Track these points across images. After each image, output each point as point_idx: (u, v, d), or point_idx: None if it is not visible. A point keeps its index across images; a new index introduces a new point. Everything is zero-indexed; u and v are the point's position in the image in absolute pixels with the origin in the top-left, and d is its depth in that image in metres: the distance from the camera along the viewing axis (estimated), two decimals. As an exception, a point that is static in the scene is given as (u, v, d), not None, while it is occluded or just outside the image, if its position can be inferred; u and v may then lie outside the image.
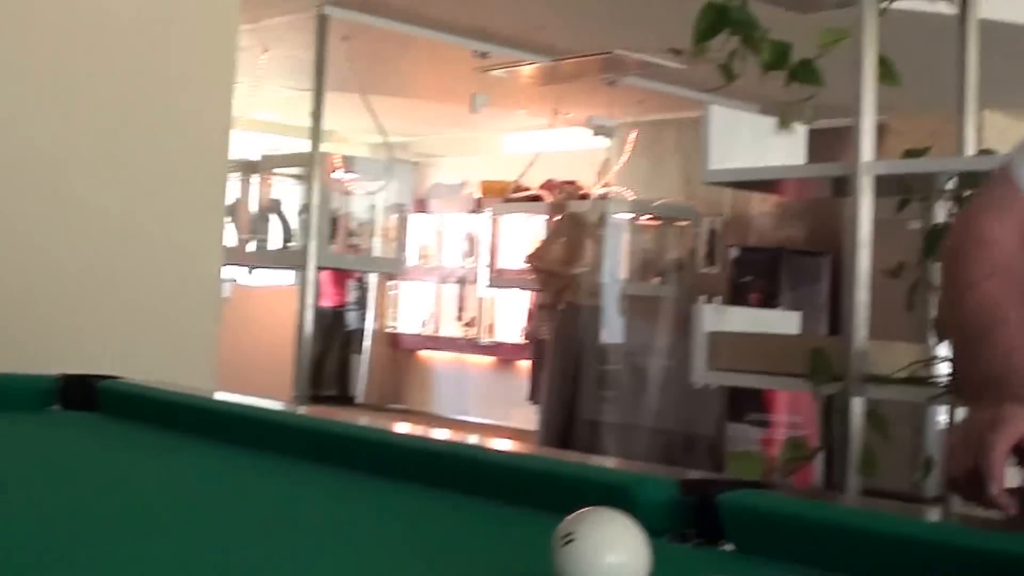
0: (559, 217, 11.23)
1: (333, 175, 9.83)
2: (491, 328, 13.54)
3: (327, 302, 13.14)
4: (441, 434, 2.46)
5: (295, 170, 9.66)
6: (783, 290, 10.87)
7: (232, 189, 8.90)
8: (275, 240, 9.85)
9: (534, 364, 11.71)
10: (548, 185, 12.09)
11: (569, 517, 1.37)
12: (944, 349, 4.18)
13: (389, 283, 14.33)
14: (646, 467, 2.05)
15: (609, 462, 2.30)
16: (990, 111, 8.13)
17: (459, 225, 13.91)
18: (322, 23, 8.64)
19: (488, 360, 13.59)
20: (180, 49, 4.70)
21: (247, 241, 9.61)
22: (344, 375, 13.82)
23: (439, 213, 14.24)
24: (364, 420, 2.66)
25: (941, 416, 4.55)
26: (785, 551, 1.65)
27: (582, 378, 10.85)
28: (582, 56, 9.51)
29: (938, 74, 5.14)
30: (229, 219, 8.43)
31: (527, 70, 10.08)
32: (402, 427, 2.64)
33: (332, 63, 8.77)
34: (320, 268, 9.09)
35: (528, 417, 11.35)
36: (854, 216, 4.31)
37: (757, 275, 11.03)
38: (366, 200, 10.26)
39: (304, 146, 9.07)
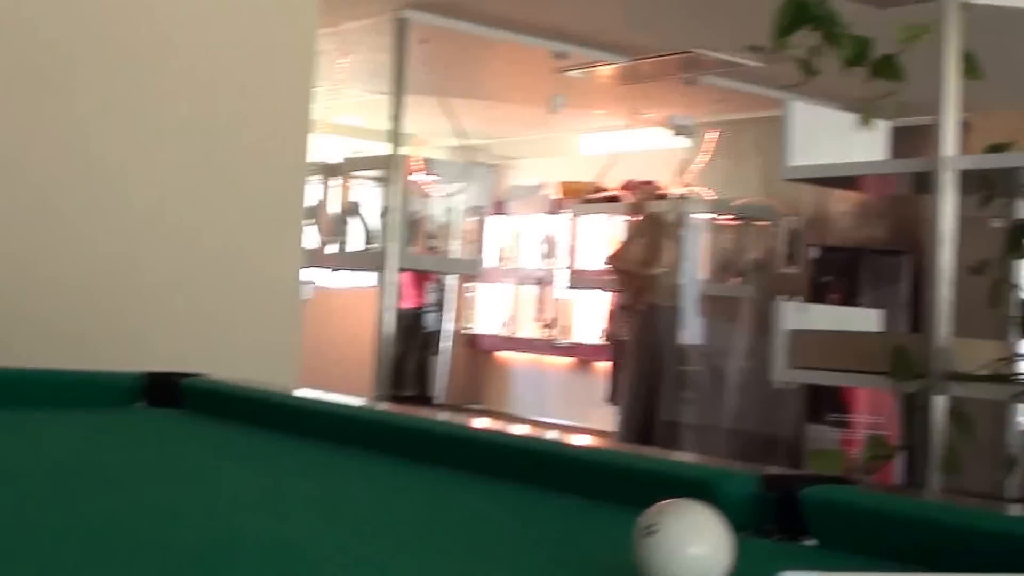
0: (638, 218, 11.20)
1: (412, 177, 9.86)
2: (569, 329, 13.52)
3: (406, 304, 13.17)
4: (522, 430, 2.46)
5: (375, 173, 9.69)
6: (863, 290, 10.79)
7: (313, 192, 8.95)
8: (355, 242, 9.89)
9: (613, 365, 11.69)
10: (627, 185, 12.06)
11: (652, 508, 1.36)
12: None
13: (467, 285, 14.35)
14: (727, 463, 2.04)
15: (690, 458, 2.29)
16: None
17: (538, 226, 13.90)
18: (401, 26, 8.67)
19: (566, 361, 13.57)
20: (260, 54, 4.73)
21: (327, 243, 9.66)
22: (423, 376, 13.85)
23: (517, 215, 14.24)
24: (444, 416, 2.66)
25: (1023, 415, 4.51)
26: (869, 546, 1.64)
27: (661, 379, 10.82)
28: (660, 56, 9.49)
29: (1021, 70, 5.09)
30: (310, 222, 8.47)
31: (605, 70, 10.06)
32: (482, 423, 2.65)
33: (411, 66, 8.80)
34: (400, 270, 9.13)
35: (607, 418, 11.33)
36: (936, 212, 4.28)
37: (837, 275, 10.94)
38: (445, 202, 10.30)
39: (384, 149, 9.10)
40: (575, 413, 12.60)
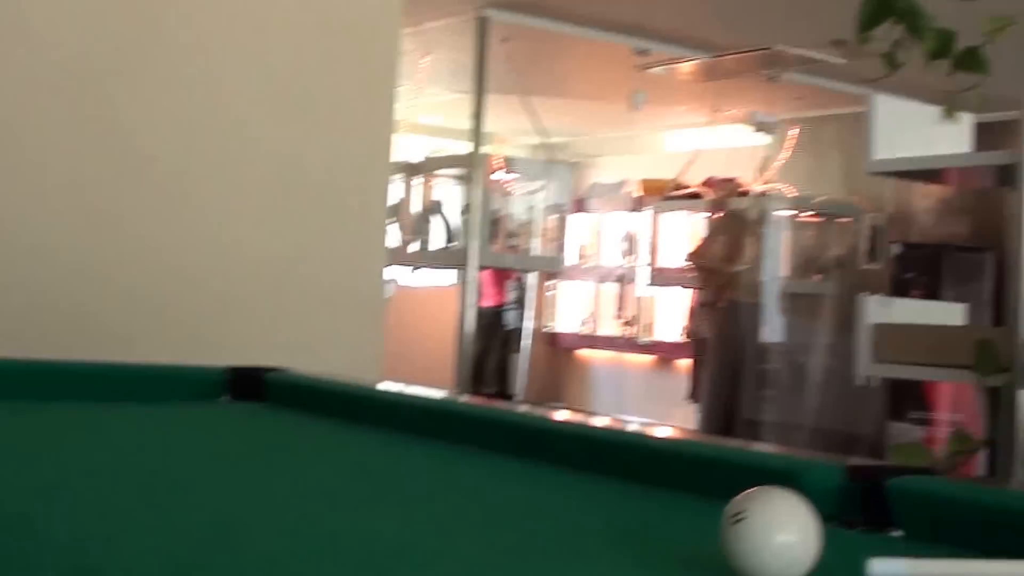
0: (719, 215, 11.18)
1: (493, 176, 9.88)
2: (650, 327, 13.49)
3: (487, 302, 13.19)
4: (604, 422, 2.46)
5: (456, 171, 9.74)
6: (945, 287, 10.71)
7: (395, 191, 8.99)
8: (437, 240, 9.94)
9: (694, 363, 11.67)
10: (708, 183, 12.02)
11: (739, 496, 1.36)
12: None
13: (547, 283, 14.35)
14: (811, 453, 2.04)
15: (774, 449, 2.28)
16: None
17: (618, 224, 13.88)
18: (482, 25, 8.70)
19: (647, 359, 13.55)
20: (344, 54, 4.76)
21: (409, 242, 9.71)
22: (503, 373, 13.86)
23: (598, 212, 14.23)
24: (523, 408, 2.68)
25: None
26: (957, 537, 1.62)
27: (742, 377, 10.79)
28: (741, 52, 9.46)
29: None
30: (392, 220, 8.52)
31: (686, 67, 10.04)
32: (562, 415, 2.66)
33: (492, 65, 8.82)
34: (480, 268, 9.16)
35: (687, 416, 11.30)
36: (1020, 207, 4.25)
37: (919, 272, 10.88)
38: (526, 200, 10.31)
39: (465, 148, 9.14)
40: (656, 411, 12.57)
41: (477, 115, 8.82)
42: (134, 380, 3.10)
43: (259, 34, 4.57)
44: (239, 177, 4.50)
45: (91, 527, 1.55)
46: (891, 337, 4.66)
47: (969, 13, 3.93)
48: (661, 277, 12.79)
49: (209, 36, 4.47)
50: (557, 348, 14.46)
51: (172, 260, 4.37)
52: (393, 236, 9.06)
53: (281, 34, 4.61)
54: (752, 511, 1.34)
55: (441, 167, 10.07)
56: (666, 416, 12.18)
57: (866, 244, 11.66)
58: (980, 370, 4.19)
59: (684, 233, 12.56)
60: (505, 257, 10.36)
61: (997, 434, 4.29)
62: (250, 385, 3.07)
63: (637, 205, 13.50)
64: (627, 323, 13.68)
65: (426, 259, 10.01)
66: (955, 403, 8.84)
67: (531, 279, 13.83)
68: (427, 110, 12.13)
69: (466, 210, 9.00)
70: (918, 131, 4.74)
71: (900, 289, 10.64)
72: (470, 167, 8.92)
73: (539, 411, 2.58)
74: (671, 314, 13.19)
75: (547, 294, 14.48)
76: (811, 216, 11.80)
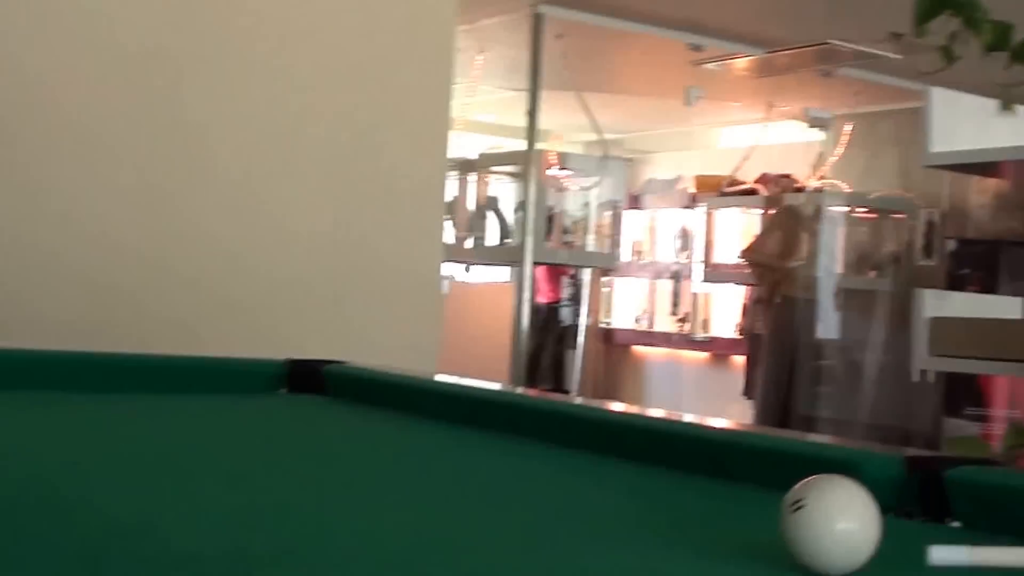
0: (774, 211, 11.15)
1: (548, 172, 9.88)
2: (705, 323, 13.46)
3: (542, 299, 13.20)
4: (661, 414, 2.47)
5: (511, 168, 9.75)
6: (1002, 283, 10.63)
7: (451, 188, 9.02)
8: (492, 237, 9.95)
9: (749, 359, 11.64)
10: (763, 179, 11.98)
11: (799, 484, 1.36)
12: None
13: (602, 279, 14.34)
14: (869, 444, 2.04)
15: (832, 440, 2.28)
16: None
17: (673, 220, 13.86)
18: (537, 21, 8.70)
19: (702, 355, 13.52)
20: (400, 51, 4.79)
21: (465, 238, 9.73)
22: (559, 370, 13.84)
23: (653, 209, 14.20)
24: (581, 401, 2.69)
25: None
26: (1016, 528, 1.61)
27: (797, 373, 10.76)
28: (796, 47, 9.42)
29: None
30: (448, 217, 8.55)
31: (741, 63, 10.01)
32: (620, 407, 2.67)
33: (546, 61, 8.82)
34: (535, 264, 9.16)
35: (742, 412, 11.28)
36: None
37: (975, 268, 10.81)
38: (580, 197, 10.31)
39: (520, 145, 9.14)
40: (711, 407, 12.54)
41: (532, 112, 8.82)
42: (195, 372, 3.14)
43: (319, 33, 4.61)
44: (300, 173, 4.54)
45: (155, 513, 1.58)
46: (948, 331, 4.64)
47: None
48: (716, 273, 12.76)
49: (272, 35, 4.51)
50: (612, 344, 14.44)
51: (235, 255, 4.42)
52: (449, 233, 9.09)
53: (340, 33, 4.64)
54: (812, 499, 1.34)
55: (496, 164, 10.08)
56: (721, 412, 12.15)
57: (921, 240, 11.60)
58: (1037, 363, 4.18)
59: (739, 229, 12.52)
60: (560, 253, 10.36)
61: (1054, 429, 4.27)
62: (308, 378, 3.10)
63: (691, 202, 13.45)
64: (682, 319, 13.64)
65: (481, 256, 10.04)
66: (1012, 398, 8.78)
67: (586, 276, 13.82)
68: (482, 107, 12.14)
69: (521, 207, 9.02)
70: (975, 124, 4.72)
71: (955, 285, 10.59)
72: (525, 164, 8.93)
73: (597, 404, 2.58)
74: (726, 310, 13.15)
75: (602, 291, 14.45)
76: (866, 212, 11.74)
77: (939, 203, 11.50)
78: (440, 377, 3.06)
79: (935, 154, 4.72)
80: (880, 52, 9.03)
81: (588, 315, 14.07)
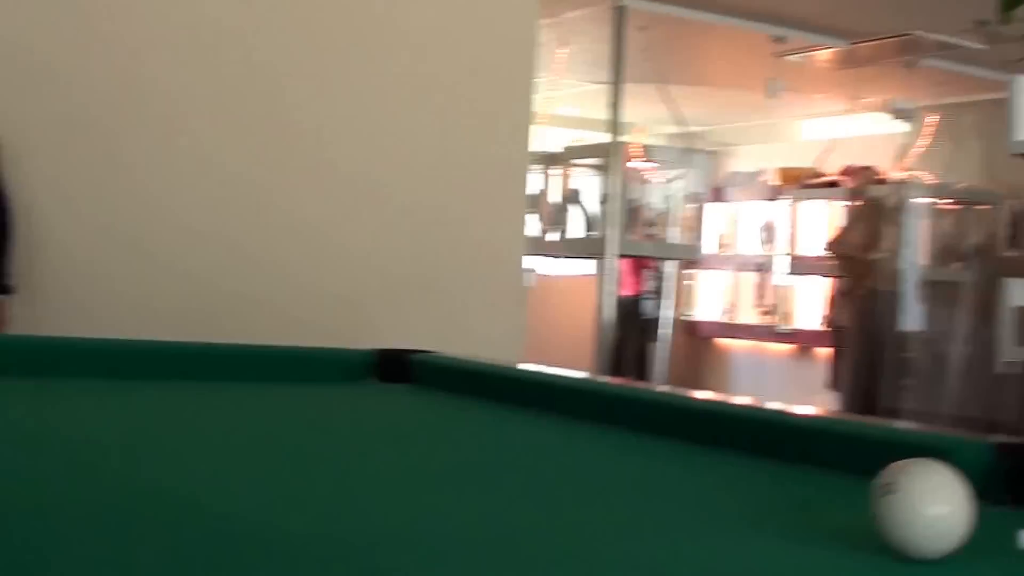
0: (858, 203, 11.10)
1: (631, 165, 9.90)
2: (789, 315, 13.41)
3: (626, 291, 13.19)
4: (749, 401, 2.48)
5: (594, 161, 9.76)
6: (1087, 271, 10.55)
7: (534, 181, 9.06)
8: (575, 230, 9.98)
9: (833, 351, 11.59)
10: (846, 171, 11.93)
11: (890, 467, 1.35)
12: None
13: (686, 272, 14.31)
14: (959, 432, 2.04)
15: (921, 427, 2.26)
16: None
17: (756, 212, 13.82)
18: (619, 14, 8.71)
19: (787, 347, 13.47)
20: (483, 47, 4.84)
21: (549, 231, 9.76)
22: (642, 362, 13.84)
23: (736, 201, 14.16)
24: (669, 389, 2.70)
25: None
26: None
27: (881, 365, 10.71)
28: (879, 39, 9.38)
29: None
30: (531, 210, 8.59)
31: (823, 54, 9.98)
32: (704, 394, 2.68)
33: (629, 54, 8.83)
34: (619, 256, 9.18)
35: (827, 404, 11.24)
36: None
37: (1060, 257, 10.73)
38: (663, 189, 10.32)
39: (603, 138, 9.16)
40: (795, 399, 12.39)
41: (615, 104, 8.84)
42: (285, 362, 3.21)
43: (399, 30, 4.67)
44: (386, 172, 4.61)
45: (246, 498, 1.64)
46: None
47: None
48: (800, 266, 12.71)
49: (369, 38, 4.59)
50: (696, 337, 14.42)
51: (327, 249, 4.50)
52: (533, 226, 9.12)
53: (427, 33, 4.70)
54: (903, 483, 1.32)
55: (579, 157, 10.09)
56: (805, 404, 12.10)
57: (1006, 231, 11.50)
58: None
59: (822, 222, 12.48)
60: (643, 246, 10.37)
61: None
62: (396, 367, 3.15)
63: (775, 194, 13.41)
64: (766, 312, 13.60)
65: (565, 248, 10.06)
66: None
67: (669, 268, 13.82)
68: (565, 101, 12.16)
69: (604, 199, 9.04)
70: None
71: (1041, 275, 10.50)
72: (608, 156, 8.95)
73: (686, 393, 2.60)
74: (810, 303, 13.10)
75: (685, 283, 14.43)
76: (950, 203, 11.67)
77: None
78: (525, 366, 3.08)
79: (1020, 143, 4.70)
80: (964, 43, 8.98)
81: (672, 307, 14.06)
